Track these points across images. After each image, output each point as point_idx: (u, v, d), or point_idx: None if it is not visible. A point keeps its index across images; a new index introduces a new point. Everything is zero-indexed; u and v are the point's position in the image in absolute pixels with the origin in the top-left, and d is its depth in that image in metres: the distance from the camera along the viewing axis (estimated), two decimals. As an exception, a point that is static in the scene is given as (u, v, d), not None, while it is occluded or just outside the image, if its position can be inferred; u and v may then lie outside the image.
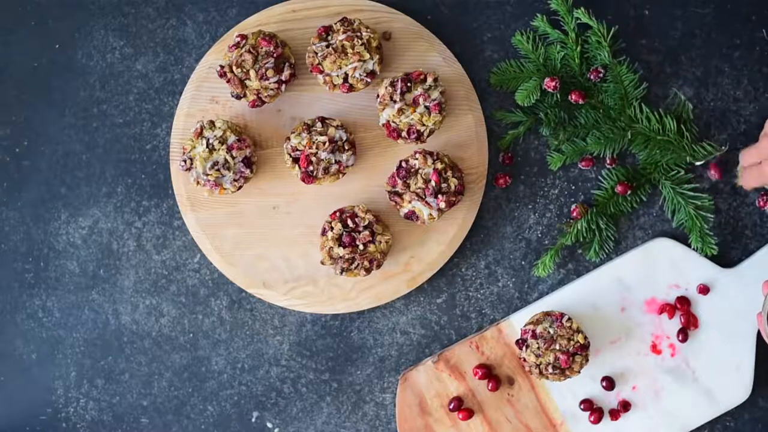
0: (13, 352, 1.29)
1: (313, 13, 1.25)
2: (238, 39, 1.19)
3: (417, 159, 1.19)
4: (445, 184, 1.18)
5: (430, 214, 1.19)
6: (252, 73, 1.18)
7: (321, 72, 1.19)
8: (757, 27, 1.27)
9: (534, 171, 1.28)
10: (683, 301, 1.25)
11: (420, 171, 1.19)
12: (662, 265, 1.26)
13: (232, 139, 1.19)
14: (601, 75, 1.24)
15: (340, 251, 1.18)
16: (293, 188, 1.25)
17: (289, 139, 1.20)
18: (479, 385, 1.26)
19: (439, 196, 1.18)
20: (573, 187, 1.28)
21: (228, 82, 1.19)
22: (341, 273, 1.20)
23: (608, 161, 1.27)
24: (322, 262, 1.20)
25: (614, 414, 1.25)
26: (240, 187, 1.21)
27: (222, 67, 1.19)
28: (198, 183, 1.19)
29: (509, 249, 1.29)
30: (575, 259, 1.28)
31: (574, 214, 1.27)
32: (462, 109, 1.25)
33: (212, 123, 1.19)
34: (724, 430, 1.29)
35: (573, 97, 1.24)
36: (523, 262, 1.29)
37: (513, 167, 1.28)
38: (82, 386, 1.29)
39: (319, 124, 1.20)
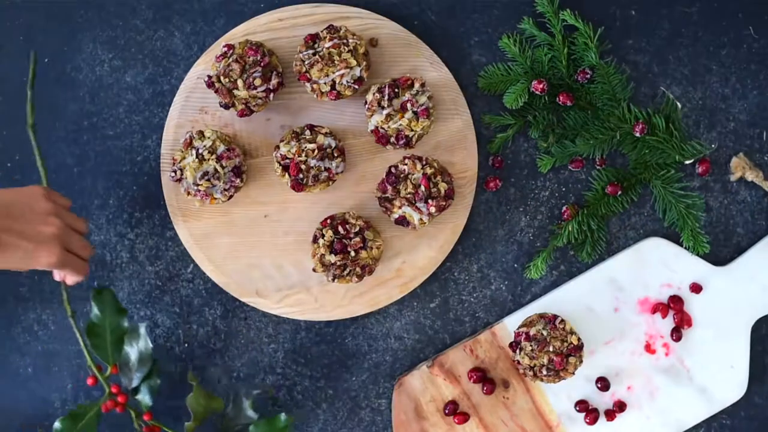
0: (9, 365, 1.30)
1: (299, 22, 1.25)
2: (225, 49, 1.19)
3: (406, 164, 1.19)
4: (435, 189, 1.18)
5: (421, 219, 1.20)
6: (240, 82, 1.18)
7: (308, 80, 1.20)
8: (744, 24, 1.27)
9: (524, 174, 1.28)
10: (676, 300, 1.25)
11: (409, 176, 1.19)
12: (654, 264, 1.26)
13: (221, 148, 1.19)
14: (588, 76, 1.24)
15: (331, 258, 1.18)
16: (284, 196, 1.26)
17: (278, 147, 1.20)
18: (474, 388, 1.26)
19: (429, 200, 1.18)
20: (563, 189, 1.28)
21: (216, 92, 1.19)
22: (333, 280, 1.20)
23: (598, 162, 1.27)
24: (314, 270, 1.20)
25: (610, 414, 1.25)
26: (231, 197, 1.21)
27: (210, 77, 1.19)
28: (189, 193, 1.19)
29: (501, 252, 1.29)
30: (567, 260, 1.28)
31: (565, 215, 1.27)
32: (450, 114, 1.25)
33: (201, 133, 1.20)
34: (720, 429, 1.29)
35: (561, 99, 1.24)
36: (515, 265, 1.29)
37: (503, 170, 1.28)
38: (79, 399, 1.30)
39: (307, 132, 1.20)
